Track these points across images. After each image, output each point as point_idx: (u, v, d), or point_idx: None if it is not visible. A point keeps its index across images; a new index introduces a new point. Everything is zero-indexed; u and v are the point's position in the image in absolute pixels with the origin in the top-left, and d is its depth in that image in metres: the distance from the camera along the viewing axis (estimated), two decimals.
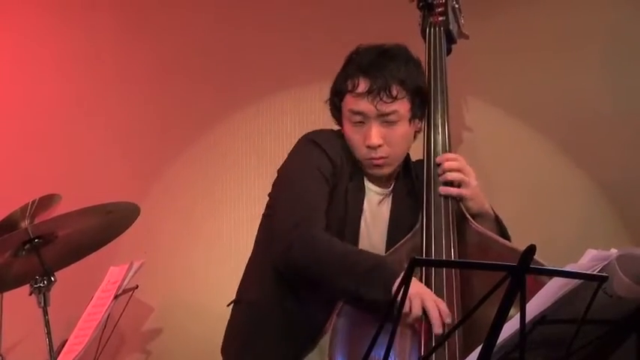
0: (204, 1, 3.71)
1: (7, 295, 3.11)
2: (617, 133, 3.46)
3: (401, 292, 1.60)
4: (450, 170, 2.47)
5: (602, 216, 3.48)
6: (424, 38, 2.65)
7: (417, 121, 2.51)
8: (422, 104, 2.50)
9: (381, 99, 2.41)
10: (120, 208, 2.94)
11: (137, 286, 3.02)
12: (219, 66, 3.64)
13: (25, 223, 2.95)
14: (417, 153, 2.61)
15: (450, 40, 2.67)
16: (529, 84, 3.51)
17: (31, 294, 2.86)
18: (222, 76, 3.64)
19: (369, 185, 2.54)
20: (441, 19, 2.65)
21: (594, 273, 1.76)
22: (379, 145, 2.44)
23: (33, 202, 3.00)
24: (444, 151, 2.49)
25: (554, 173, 3.51)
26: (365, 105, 2.43)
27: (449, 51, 2.67)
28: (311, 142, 2.51)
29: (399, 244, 2.38)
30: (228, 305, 2.62)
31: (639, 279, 1.81)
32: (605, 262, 1.78)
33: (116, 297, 2.86)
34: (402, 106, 2.44)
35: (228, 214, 3.57)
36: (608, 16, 3.48)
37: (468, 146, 3.54)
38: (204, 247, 3.59)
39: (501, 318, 1.64)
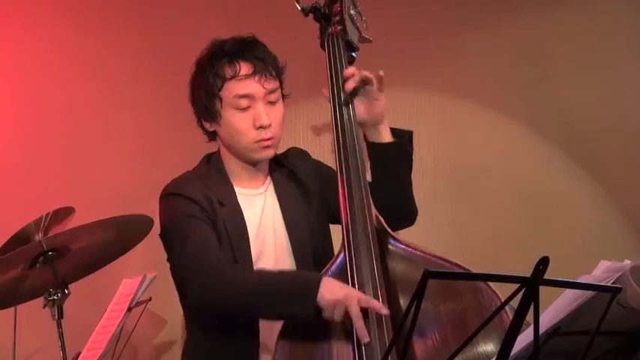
0: (215, 21, 3.73)
1: (21, 307, 3.11)
2: (630, 143, 3.46)
3: (413, 308, 1.60)
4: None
5: (615, 227, 3.48)
6: (324, 50, 2.61)
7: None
8: (283, 85, 2.56)
9: (266, 78, 2.47)
10: (133, 221, 2.94)
11: (150, 299, 3.02)
12: None
13: (39, 236, 2.96)
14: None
15: (351, 48, 2.62)
16: (547, 96, 3.52)
17: (44, 306, 2.86)
18: None
19: (242, 191, 2.54)
20: (339, 28, 2.60)
21: (608, 285, 1.76)
22: (269, 125, 2.47)
23: (47, 214, 3.01)
24: (355, 163, 2.40)
25: (566, 185, 3.51)
26: (253, 86, 2.46)
27: (352, 59, 2.62)
28: (167, 196, 2.53)
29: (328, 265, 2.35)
30: None
31: None
32: (619, 274, 1.78)
33: (129, 309, 2.86)
34: (278, 85, 2.52)
35: None
36: (611, 20, 3.49)
37: (479, 160, 3.54)
38: None
39: (515, 330, 1.64)
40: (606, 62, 3.49)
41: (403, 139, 2.55)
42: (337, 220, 2.43)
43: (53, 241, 2.83)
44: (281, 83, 2.54)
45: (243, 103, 2.47)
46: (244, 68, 2.47)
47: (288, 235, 2.54)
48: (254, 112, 2.47)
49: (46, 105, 3.77)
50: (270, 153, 2.53)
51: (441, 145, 3.57)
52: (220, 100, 2.48)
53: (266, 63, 2.48)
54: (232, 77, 2.46)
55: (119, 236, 2.94)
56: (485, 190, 3.56)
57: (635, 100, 3.50)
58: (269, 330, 2.38)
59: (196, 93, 2.54)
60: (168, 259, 2.57)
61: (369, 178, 2.49)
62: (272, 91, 2.49)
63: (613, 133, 3.48)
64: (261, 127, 2.47)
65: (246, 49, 2.49)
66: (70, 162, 3.72)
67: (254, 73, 2.46)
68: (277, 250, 2.54)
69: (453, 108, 3.58)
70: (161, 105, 3.72)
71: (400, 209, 2.54)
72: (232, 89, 2.47)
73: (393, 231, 2.38)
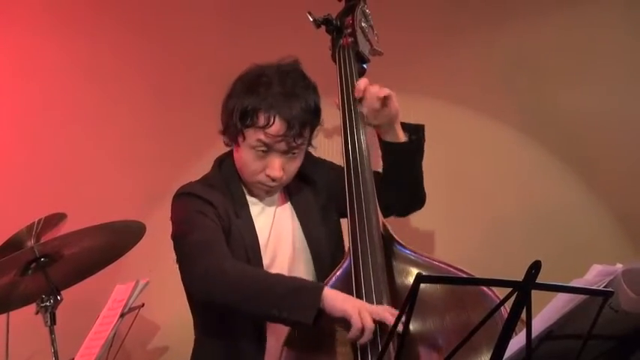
0: (209, 22, 3.73)
1: (13, 314, 3.11)
2: (622, 147, 3.47)
3: (405, 311, 1.60)
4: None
5: (608, 231, 3.48)
6: (335, 61, 2.63)
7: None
8: (315, 131, 2.52)
9: (294, 139, 2.42)
10: (126, 227, 2.94)
11: (143, 305, 3.02)
12: (225, 86, 3.66)
13: (31, 242, 2.95)
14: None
15: (362, 60, 2.65)
16: (541, 101, 3.53)
17: (37, 313, 2.86)
18: None
19: (254, 200, 2.55)
20: (350, 40, 2.63)
21: (600, 288, 1.76)
22: (280, 177, 2.46)
23: (39, 221, 3.00)
24: (363, 172, 2.43)
25: (559, 190, 3.51)
26: (278, 144, 2.42)
27: (363, 71, 2.65)
28: (182, 195, 2.51)
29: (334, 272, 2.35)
30: None
31: None
32: (611, 277, 1.78)
33: (122, 315, 2.86)
34: (305, 140, 2.47)
35: None
36: (604, 25, 3.50)
37: (472, 165, 3.54)
38: None
39: (507, 334, 1.64)
40: (599, 67, 3.49)
41: (418, 134, 2.60)
42: (345, 214, 2.44)
43: (45, 247, 2.83)
44: (311, 134, 2.49)
45: (262, 148, 2.44)
46: (276, 126, 2.40)
47: (308, 243, 2.55)
48: (269, 160, 2.45)
49: (38, 111, 3.76)
50: (270, 195, 2.54)
51: (434, 151, 3.56)
52: (243, 135, 2.46)
53: (302, 128, 2.42)
54: (261, 127, 2.41)
55: (111, 242, 2.94)
56: (478, 195, 3.55)
57: (629, 105, 3.50)
58: (276, 336, 2.37)
59: (227, 108, 2.50)
60: (175, 252, 2.53)
61: (380, 169, 2.55)
62: (294, 148, 2.45)
63: (607, 137, 3.47)
64: (270, 176, 2.46)
65: (288, 102, 2.40)
66: (63, 168, 3.71)
67: (284, 135, 2.40)
68: (291, 259, 2.54)
69: (446, 114, 3.58)
70: (156, 111, 3.72)
71: (412, 197, 2.65)
72: (257, 135, 2.43)
73: (403, 216, 2.55)
